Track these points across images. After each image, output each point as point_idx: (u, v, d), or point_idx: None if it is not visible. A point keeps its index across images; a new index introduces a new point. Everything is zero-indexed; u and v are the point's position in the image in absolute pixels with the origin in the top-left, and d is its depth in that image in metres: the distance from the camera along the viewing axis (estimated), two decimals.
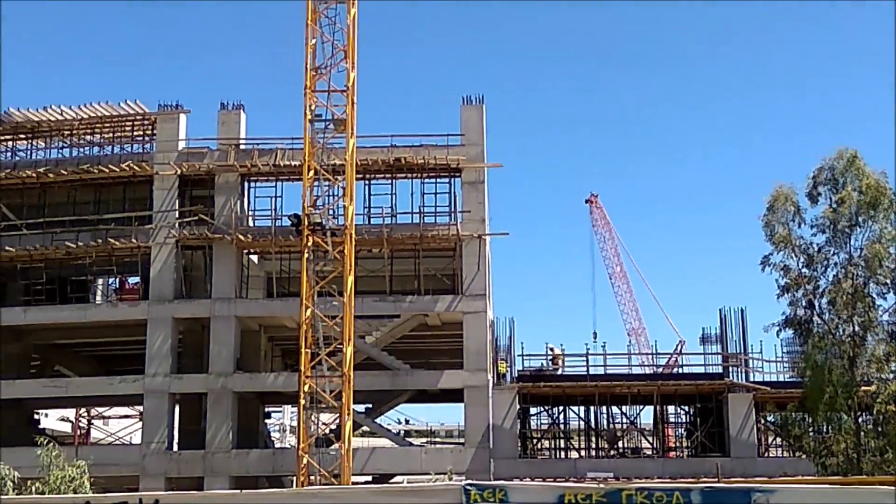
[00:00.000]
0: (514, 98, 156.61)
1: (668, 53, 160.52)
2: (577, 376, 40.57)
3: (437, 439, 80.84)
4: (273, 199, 40.37)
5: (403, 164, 39.59)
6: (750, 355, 40.59)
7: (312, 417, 34.33)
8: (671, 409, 44.19)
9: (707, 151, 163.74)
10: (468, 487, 13.23)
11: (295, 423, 43.90)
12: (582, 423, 43.18)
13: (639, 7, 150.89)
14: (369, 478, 39.55)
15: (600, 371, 40.64)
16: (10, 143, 44.16)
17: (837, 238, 29.15)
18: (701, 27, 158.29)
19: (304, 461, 33.04)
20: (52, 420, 58.29)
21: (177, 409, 41.02)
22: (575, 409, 42.56)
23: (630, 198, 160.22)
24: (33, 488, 27.23)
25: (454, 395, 40.69)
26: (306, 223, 33.88)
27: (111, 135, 43.09)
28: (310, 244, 33.81)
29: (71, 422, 61.13)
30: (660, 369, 44.17)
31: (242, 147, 40.50)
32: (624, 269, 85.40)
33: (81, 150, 43.06)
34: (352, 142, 34.79)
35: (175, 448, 39.83)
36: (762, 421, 40.67)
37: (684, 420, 45.43)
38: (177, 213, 40.26)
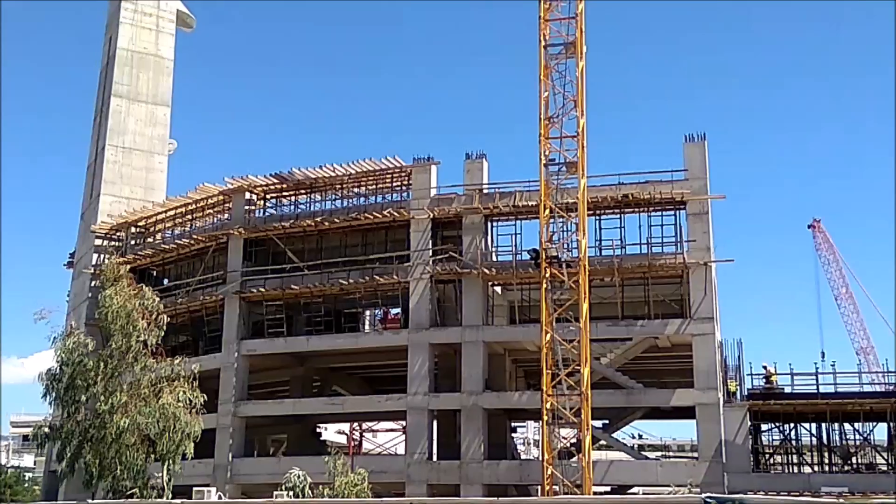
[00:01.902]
0: (737, 129, 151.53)
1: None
2: (807, 394, 38.35)
3: (671, 453, 78.54)
4: (514, 237, 40.80)
5: (631, 199, 39.02)
6: None
7: (554, 432, 34.48)
8: None
9: None
10: (708, 500, 12.87)
11: (538, 437, 43.97)
12: (814, 439, 40.64)
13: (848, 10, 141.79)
14: (608, 488, 38.95)
15: (830, 389, 38.17)
16: (292, 198, 46.86)
17: None
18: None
19: (549, 472, 33.32)
20: (331, 433, 61.19)
21: (435, 423, 41.86)
22: (806, 425, 40.25)
23: (855, 215, 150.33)
24: (325, 493, 29.05)
25: (685, 412, 39.75)
26: (544, 257, 34.61)
27: (374, 186, 44.74)
28: (548, 275, 34.44)
29: (346, 434, 63.99)
30: (892, 387, 40.81)
31: (486, 191, 41.13)
32: (850, 289, 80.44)
33: (350, 200, 44.96)
34: (583, 182, 35.14)
35: (434, 458, 40.53)
36: None
37: None
38: (430, 251, 41.30)
